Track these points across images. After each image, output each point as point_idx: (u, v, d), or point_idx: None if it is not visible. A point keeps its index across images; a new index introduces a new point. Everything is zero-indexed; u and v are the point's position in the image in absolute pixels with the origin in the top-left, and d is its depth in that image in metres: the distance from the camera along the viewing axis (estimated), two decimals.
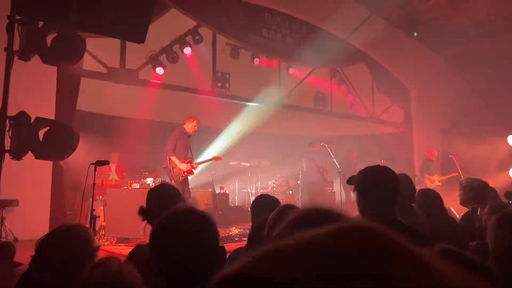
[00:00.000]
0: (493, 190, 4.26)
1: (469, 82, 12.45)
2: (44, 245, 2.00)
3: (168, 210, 1.48)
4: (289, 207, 1.71)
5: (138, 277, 1.41)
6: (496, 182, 4.83)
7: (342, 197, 9.40)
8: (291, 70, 10.31)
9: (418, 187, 3.51)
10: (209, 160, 7.77)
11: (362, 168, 2.19)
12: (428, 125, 12.26)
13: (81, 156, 7.67)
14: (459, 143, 11.07)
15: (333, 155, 8.32)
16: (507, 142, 11.04)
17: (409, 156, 12.15)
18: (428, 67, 11.83)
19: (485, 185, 3.90)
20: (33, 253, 2.02)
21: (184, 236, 1.37)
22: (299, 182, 10.13)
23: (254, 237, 2.33)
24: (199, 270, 1.33)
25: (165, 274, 1.36)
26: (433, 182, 10.50)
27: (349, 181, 2.30)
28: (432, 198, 3.48)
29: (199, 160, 7.72)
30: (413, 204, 2.99)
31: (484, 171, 9.48)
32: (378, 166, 2.17)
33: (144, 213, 2.57)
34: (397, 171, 2.24)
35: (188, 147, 7.19)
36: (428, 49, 12.02)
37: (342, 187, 8.61)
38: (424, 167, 10.90)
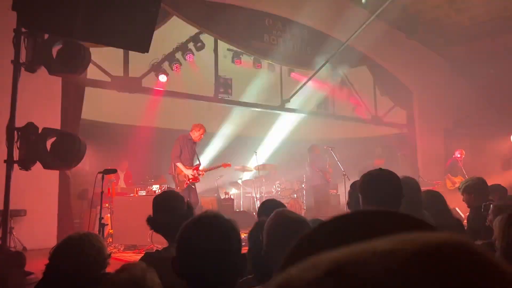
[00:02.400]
0: (503, 189, 4.29)
1: (471, 82, 12.45)
2: (57, 254, 2.05)
3: (199, 213, 1.52)
4: (287, 219, 1.73)
5: (159, 284, 1.46)
6: (501, 181, 4.85)
7: (347, 199, 9.36)
8: (293, 74, 10.36)
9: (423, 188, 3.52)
10: (218, 166, 7.80)
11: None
12: (431, 125, 12.26)
13: (87, 164, 7.74)
14: (462, 143, 11.06)
15: (337, 158, 8.36)
16: (510, 141, 11.04)
17: (412, 157, 12.15)
18: (430, 67, 11.84)
19: (481, 180, 3.91)
20: (42, 262, 2.06)
21: (214, 238, 1.39)
22: (303, 185, 10.13)
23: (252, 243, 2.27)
24: (222, 274, 1.37)
25: (189, 275, 1.39)
26: (454, 183, 9.82)
27: (352, 186, 2.31)
28: (435, 198, 3.50)
29: (207, 166, 7.77)
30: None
31: (488, 171, 9.47)
32: (381, 169, 2.20)
33: (150, 222, 2.58)
34: (401, 173, 2.27)
35: (194, 153, 7.23)
36: (429, 50, 12.04)
37: (346, 190, 8.60)
38: (451, 167, 10.42)
